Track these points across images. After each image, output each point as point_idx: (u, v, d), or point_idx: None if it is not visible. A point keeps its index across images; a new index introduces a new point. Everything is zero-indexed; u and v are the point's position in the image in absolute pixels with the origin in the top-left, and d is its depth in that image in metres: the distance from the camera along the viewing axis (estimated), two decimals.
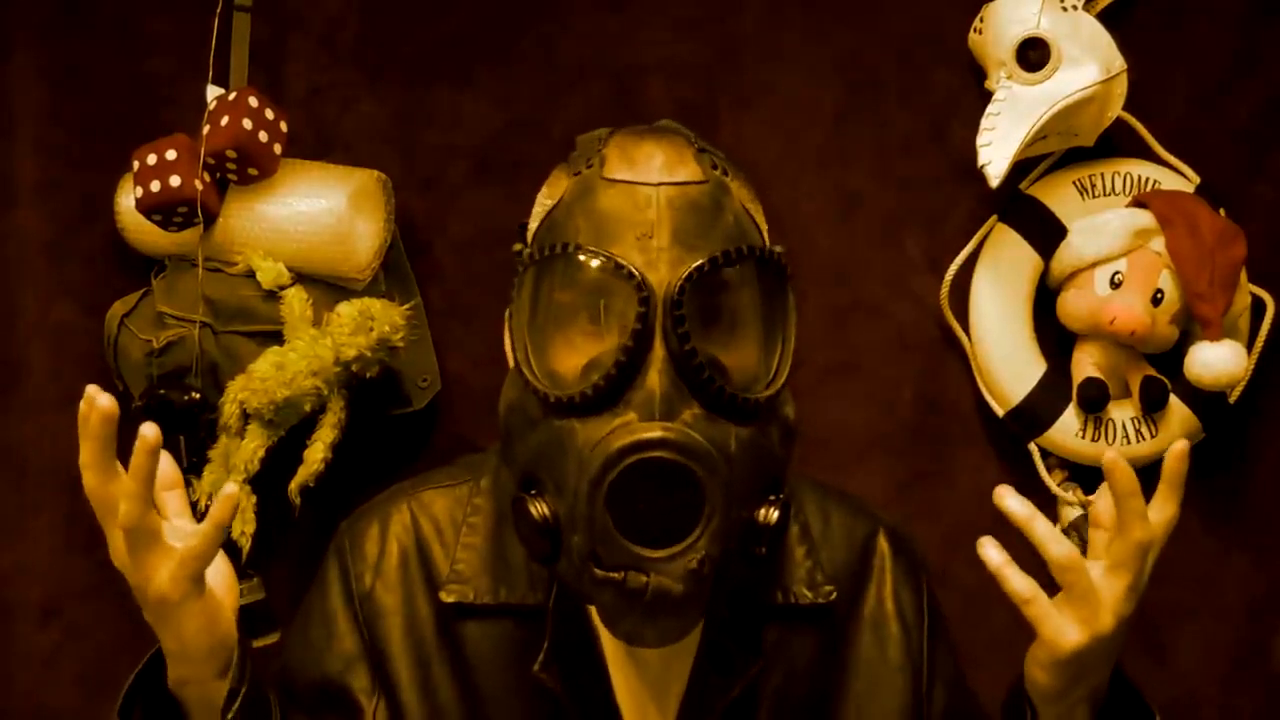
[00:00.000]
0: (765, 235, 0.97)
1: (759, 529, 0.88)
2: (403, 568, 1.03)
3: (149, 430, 0.84)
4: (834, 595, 1.03)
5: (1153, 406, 1.52)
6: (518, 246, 0.95)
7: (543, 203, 0.97)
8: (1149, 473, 1.64)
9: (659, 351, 0.85)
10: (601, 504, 0.82)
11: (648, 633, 0.85)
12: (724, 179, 0.93)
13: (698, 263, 0.86)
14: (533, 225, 0.97)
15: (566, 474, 0.85)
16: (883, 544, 1.09)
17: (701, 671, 0.98)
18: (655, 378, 0.84)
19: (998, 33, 1.49)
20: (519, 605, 1.00)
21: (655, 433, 0.82)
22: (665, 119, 1.01)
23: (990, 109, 1.47)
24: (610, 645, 0.99)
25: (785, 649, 1.02)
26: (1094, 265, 1.51)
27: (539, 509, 0.87)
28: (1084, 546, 1.56)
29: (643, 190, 0.89)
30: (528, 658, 0.97)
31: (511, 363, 0.96)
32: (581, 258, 0.88)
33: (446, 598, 1.00)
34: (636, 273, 0.85)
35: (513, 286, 0.91)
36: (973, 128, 1.47)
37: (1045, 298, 1.58)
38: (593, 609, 0.98)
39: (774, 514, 0.88)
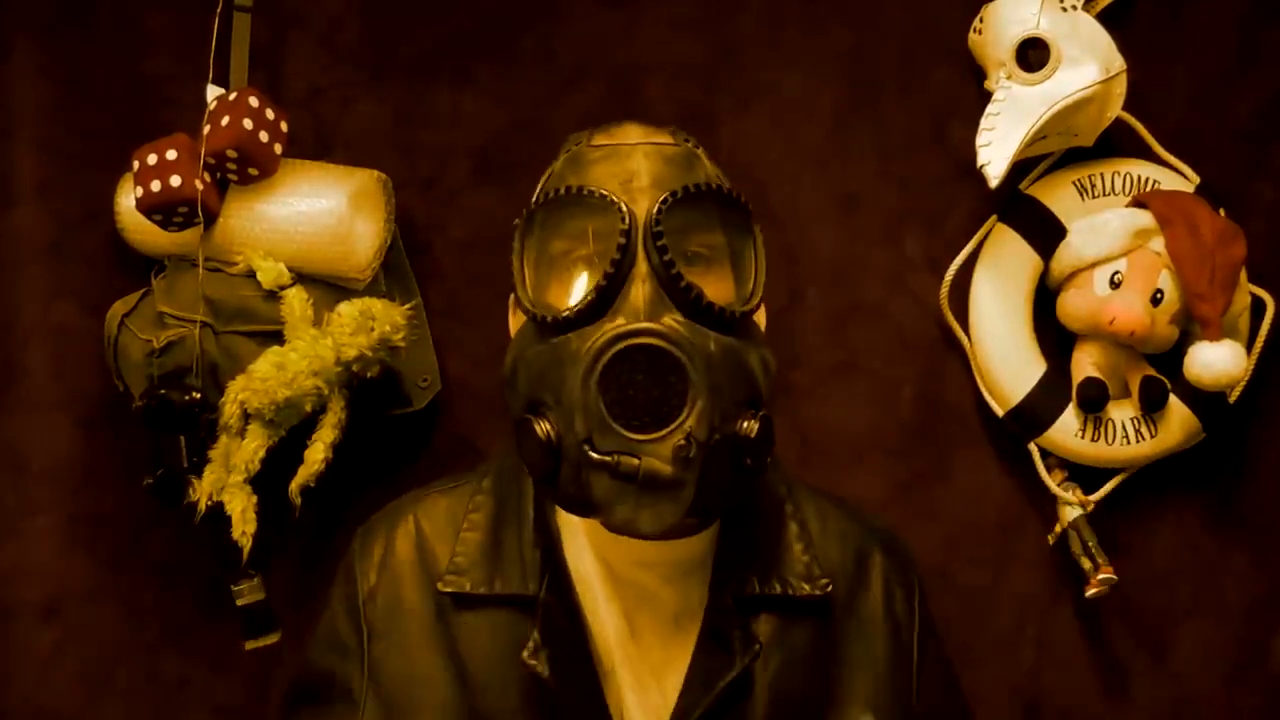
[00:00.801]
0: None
1: (743, 441, 0.94)
2: (406, 565, 1.09)
3: None
4: (830, 588, 1.08)
5: (1152, 406, 1.52)
6: (517, 221, 1.03)
7: (540, 184, 1.08)
8: (1148, 473, 1.65)
9: (641, 268, 0.93)
10: (594, 391, 0.90)
11: (642, 517, 0.91)
12: (695, 150, 1.05)
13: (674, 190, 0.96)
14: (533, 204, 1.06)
15: (564, 380, 0.93)
16: (877, 548, 1.14)
17: (702, 655, 1.02)
18: (639, 288, 0.93)
19: (997, 33, 1.49)
20: (514, 596, 1.05)
21: (640, 325, 0.91)
22: (678, 122, 1.10)
23: (990, 109, 1.47)
24: (607, 633, 1.03)
25: (783, 639, 1.06)
26: (1094, 265, 1.51)
27: (542, 427, 0.94)
28: (1084, 546, 1.58)
29: (624, 148, 1.01)
30: (521, 648, 1.02)
31: (514, 329, 1.04)
32: (570, 197, 0.97)
33: (444, 588, 1.06)
34: (617, 199, 0.95)
35: (513, 239, 1.00)
36: (973, 128, 1.47)
37: (1045, 298, 1.58)
38: (585, 600, 1.04)
39: (755, 426, 0.94)
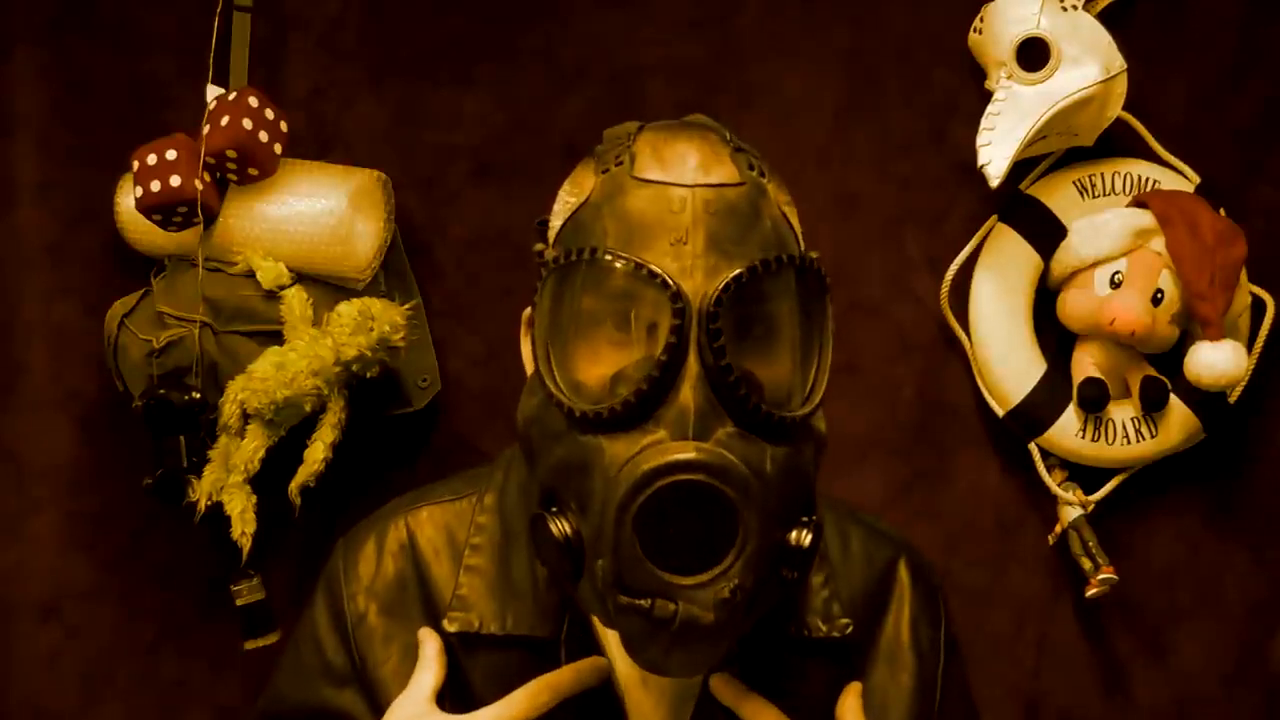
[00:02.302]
0: (801, 238, 0.91)
1: (791, 552, 0.83)
2: (399, 590, 0.99)
3: None
4: (850, 629, 0.98)
5: (1153, 406, 1.52)
6: (539, 246, 0.90)
7: (566, 200, 0.90)
8: (1148, 473, 1.65)
9: (693, 366, 0.79)
10: (629, 528, 0.77)
11: (673, 663, 0.80)
12: (761, 180, 0.87)
13: (735, 272, 0.80)
14: (555, 223, 0.91)
15: (592, 494, 0.80)
16: (903, 571, 1.04)
17: (707, 706, 0.94)
18: (689, 394, 0.79)
19: (998, 33, 1.49)
20: (527, 637, 0.95)
21: (688, 454, 0.77)
22: (695, 114, 0.94)
23: (990, 109, 1.46)
24: (622, 677, 0.95)
25: (798, 681, 0.97)
26: (1094, 265, 1.51)
27: (560, 527, 0.82)
28: (1084, 546, 1.58)
29: (676, 192, 0.83)
30: None
31: (530, 369, 0.91)
32: (611, 263, 0.82)
33: (449, 627, 0.96)
34: (671, 282, 0.80)
35: (535, 290, 0.86)
36: (973, 128, 1.47)
37: (1045, 298, 1.58)
38: (606, 641, 0.96)
39: (807, 537, 0.83)
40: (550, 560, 0.83)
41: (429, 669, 0.93)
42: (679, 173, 0.84)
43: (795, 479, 0.83)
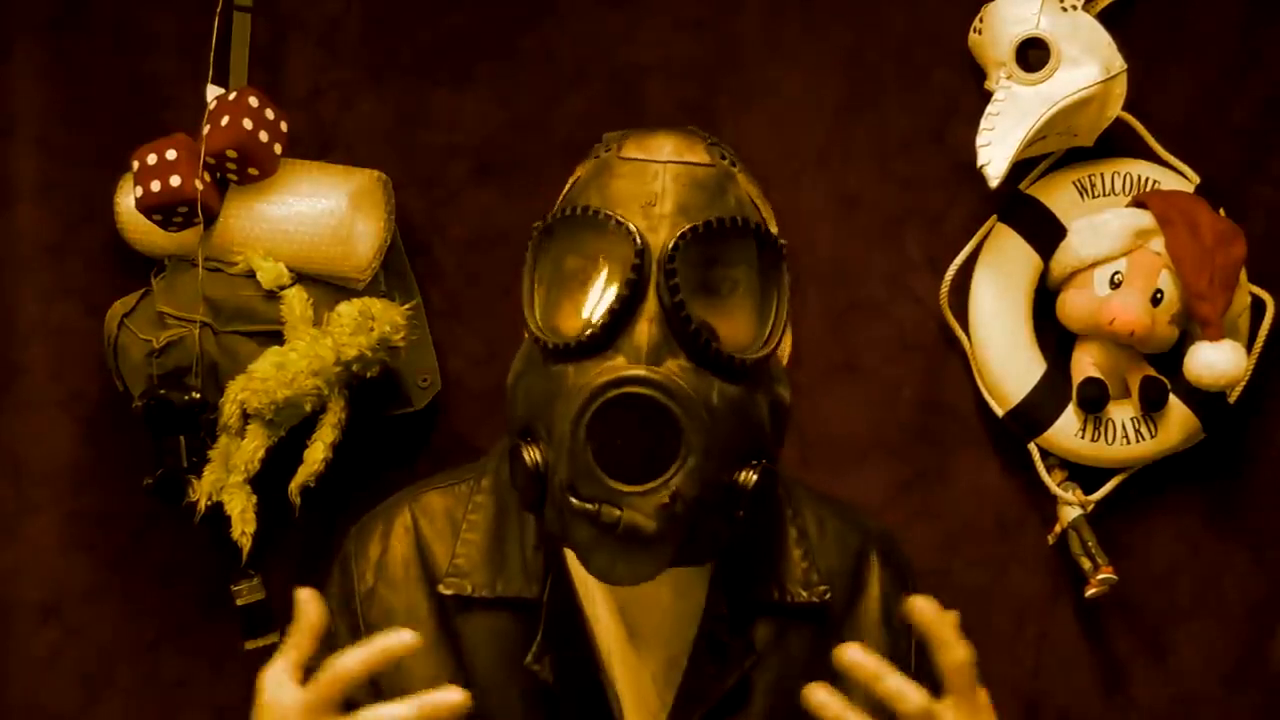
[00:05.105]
0: (770, 224, 1.00)
1: (739, 491, 0.91)
2: (404, 566, 1.07)
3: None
4: (828, 595, 1.07)
5: (1152, 406, 1.52)
6: (537, 223, 0.99)
7: (564, 190, 1.02)
8: (1148, 473, 1.65)
9: (651, 305, 0.89)
10: (582, 436, 0.86)
11: (619, 568, 0.88)
12: (731, 168, 0.98)
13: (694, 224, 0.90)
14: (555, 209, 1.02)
15: (556, 415, 0.89)
16: (875, 553, 1.12)
17: (698, 662, 1.01)
18: (645, 327, 0.88)
19: (997, 33, 1.49)
20: (515, 598, 1.03)
21: (638, 371, 0.86)
22: (678, 122, 1.03)
23: (990, 109, 1.47)
24: (607, 637, 1.02)
25: (781, 645, 1.05)
26: (1093, 265, 1.51)
27: (531, 455, 0.91)
28: (1083, 546, 1.58)
29: (651, 166, 0.94)
30: (524, 650, 1.01)
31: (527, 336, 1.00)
32: (588, 217, 0.92)
33: (445, 590, 1.04)
34: (633, 228, 0.90)
35: (526, 249, 0.96)
36: (973, 128, 1.47)
37: (1045, 298, 1.58)
38: (585, 602, 1.02)
39: (753, 477, 0.91)
40: (522, 487, 0.93)
41: (295, 644, 0.95)
42: (656, 154, 0.96)
43: (744, 419, 0.91)
